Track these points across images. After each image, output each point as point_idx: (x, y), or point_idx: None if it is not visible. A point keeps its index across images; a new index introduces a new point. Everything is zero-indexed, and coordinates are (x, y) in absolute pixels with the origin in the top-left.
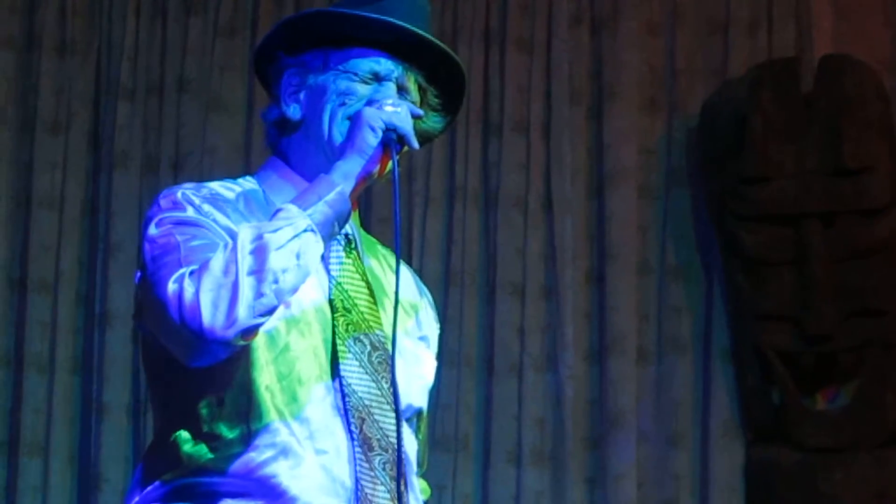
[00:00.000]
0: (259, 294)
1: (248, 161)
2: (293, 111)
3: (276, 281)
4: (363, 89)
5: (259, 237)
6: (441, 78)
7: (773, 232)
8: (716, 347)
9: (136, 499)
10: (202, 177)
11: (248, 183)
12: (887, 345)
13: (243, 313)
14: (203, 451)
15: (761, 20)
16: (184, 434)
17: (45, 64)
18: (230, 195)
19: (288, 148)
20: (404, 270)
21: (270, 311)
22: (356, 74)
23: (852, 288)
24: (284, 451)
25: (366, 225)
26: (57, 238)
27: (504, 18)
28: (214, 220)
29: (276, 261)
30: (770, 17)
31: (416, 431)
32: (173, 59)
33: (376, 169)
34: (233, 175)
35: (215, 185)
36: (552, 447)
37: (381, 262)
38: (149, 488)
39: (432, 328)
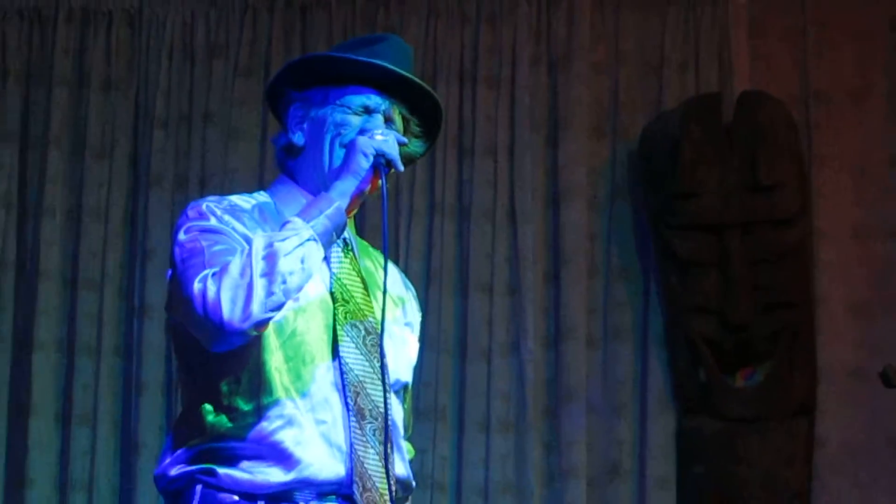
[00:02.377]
0: (270, 293)
1: (261, 180)
2: (298, 138)
3: (284, 282)
4: (356, 120)
5: (270, 245)
6: (422, 110)
7: (700, 239)
8: (652, 335)
9: (168, 460)
10: (223, 193)
11: (262, 196)
12: (795, 333)
13: (256, 309)
14: (223, 420)
15: (690, 62)
16: (207, 407)
17: (93, 99)
18: (247, 206)
19: (294, 168)
20: (392, 268)
21: (279, 307)
22: (350, 108)
23: (766, 285)
24: (290, 422)
25: (360, 232)
26: (103, 245)
27: (475, 60)
28: (233, 228)
29: (284, 265)
30: (697, 59)
31: (403, 402)
32: (200, 95)
33: (368, 188)
34: (252, 190)
35: (234, 198)
36: (515, 418)
37: (373, 262)
38: (178, 452)
39: (416, 316)
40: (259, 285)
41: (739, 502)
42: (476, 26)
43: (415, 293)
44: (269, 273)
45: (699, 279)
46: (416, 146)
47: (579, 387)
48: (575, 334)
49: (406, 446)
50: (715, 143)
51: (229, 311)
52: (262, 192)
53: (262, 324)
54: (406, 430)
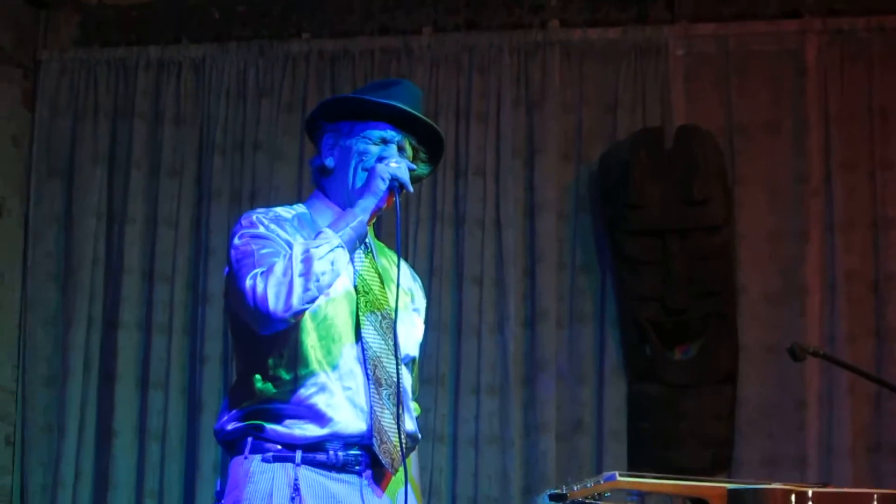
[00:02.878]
0: (306, 289)
1: (299, 194)
2: (329, 161)
3: (317, 280)
4: (375, 149)
5: (307, 251)
6: (428, 141)
7: (646, 242)
8: (608, 318)
9: (225, 418)
10: (269, 206)
11: (300, 208)
12: (721, 316)
13: (295, 302)
14: (270, 387)
15: (638, 102)
16: (257, 376)
17: (166, 130)
18: (288, 216)
19: (326, 185)
20: (403, 265)
21: (313, 300)
22: (371, 139)
23: (699, 278)
24: (323, 388)
25: (377, 235)
26: (173, 246)
27: (469, 101)
28: (277, 235)
29: (318, 267)
30: (644, 100)
31: (411, 372)
32: (250, 127)
33: (384, 205)
34: (289, 203)
35: (279, 209)
36: (500, 383)
37: (388, 260)
38: (233, 412)
39: (422, 302)
40: (298, 283)
41: (677, 450)
42: (469, 74)
43: (421, 284)
44: (306, 273)
45: (645, 274)
46: (422, 169)
47: (550, 359)
48: (547, 317)
49: (414, 406)
50: (658, 166)
51: (273, 303)
52: (300, 204)
53: (300, 313)
54: (413, 393)
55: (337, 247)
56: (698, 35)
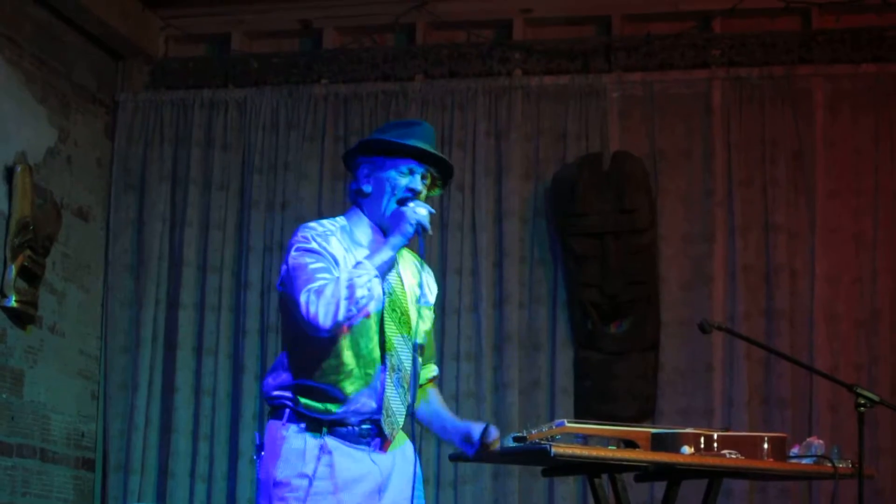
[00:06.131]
0: (348, 309)
1: (319, 206)
2: (366, 187)
3: (357, 303)
4: (403, 179)
5: (351, 279)
6: (443, 170)
7: (589, 242)
8: (559, 300)
9: (273, 383)
10: (297, 214)
11: (342, 221)
12: (647, 299)
13: (340, 318)
14: (309, 371)
15: (582, 133)
16: (300, 360)
17: (216, 154)
18: (334, 228)
19: (363, 204)
20: (416, 261)
21: (353, 318)
22: (399, 171)
23: (629, 270)
24: (349, 374)
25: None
26: (222, 244)
27: (451, 132)
28: (325, 248)
29: (358, 293)
30: (587, 131)
31: (420, 354)
32: (281, 152)
33: (410, 242)
34: (313, 212)
35: (327, 223)
36: (475, 351)
37: (404, 262)
38: (278, 381)
39: (433, 292)
40: (343, 305)
41: (612, 403)
42: (451, 111)
43: (433, 275)
44: (349, 297)
45: (588, 266)
46: (436, 192)
47: (514, 332)
48: (511, 300)
49: (432, 367)
50: (598, 183)
51: (323, 319)
52: (342, 217)
53: (341, 326)
54: (431, 358)
55: (374, 276)
56: (629, 81)
